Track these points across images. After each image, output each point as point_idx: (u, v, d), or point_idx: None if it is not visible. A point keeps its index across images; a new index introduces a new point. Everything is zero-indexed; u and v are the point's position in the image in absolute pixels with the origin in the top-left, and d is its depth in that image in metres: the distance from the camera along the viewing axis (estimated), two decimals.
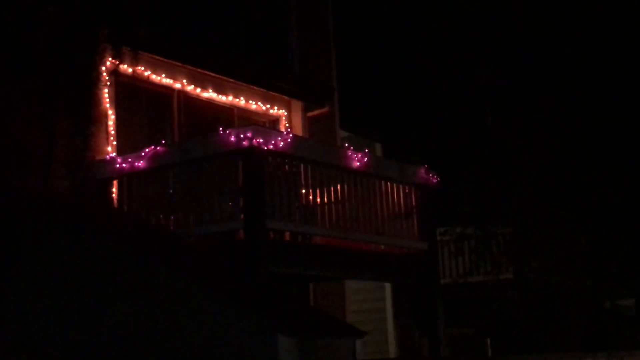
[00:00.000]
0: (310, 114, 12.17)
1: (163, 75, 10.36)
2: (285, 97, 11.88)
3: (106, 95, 9.64)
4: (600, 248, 11.09)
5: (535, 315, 10.96)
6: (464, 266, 12.64)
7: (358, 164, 9.42)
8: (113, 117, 9.67)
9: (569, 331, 10.85)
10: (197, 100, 10.76)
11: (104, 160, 9.29)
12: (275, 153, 8.47)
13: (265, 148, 8.32)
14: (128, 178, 9.10)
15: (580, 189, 10.36)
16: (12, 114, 8.84)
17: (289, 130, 11.47)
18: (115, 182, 9.20)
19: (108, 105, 9.65)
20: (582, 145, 10.21)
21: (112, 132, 9.63)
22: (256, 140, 8.27)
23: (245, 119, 11.14)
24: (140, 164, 8.94)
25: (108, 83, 9.66)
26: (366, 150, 9.97)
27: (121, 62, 9.74)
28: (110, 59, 9.64)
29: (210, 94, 10.90)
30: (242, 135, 8.32)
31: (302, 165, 8.87)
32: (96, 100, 9.44)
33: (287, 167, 8.69)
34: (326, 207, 9.21)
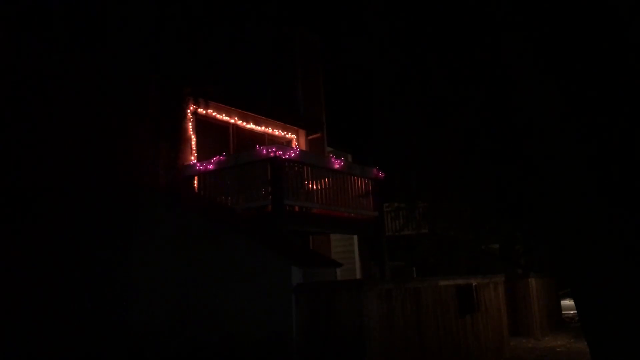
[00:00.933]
0: (310, 137, 12.19)
1: (223, 115, 10.37)
2: (295, 128, 11.89)
3: (190, 126, 9.66)
4: (478, 215, 11.13)
5: (440, 254, 11.02)
6: (399, 225, 12.70)
7: (337, 166, 9.49)
8: (194, 139, 9.69)
9: (459, 263, 10.91)
10: (244, 129, 10.77)
11: (189, 165, 9.33)
12: (290, 160, 8.53)
13: (284, 157, 8.37)
14: (203, 175, 9.13)
15: (467, 183, 10.36)
16: (134, 140, 8.87)
17: (297, 147, 11.50)
18: (195, 178, 9.23)
19: (191, 132, 9.66)
20: (467, 158, 10.13)
21: (194, 148, 9.65)
22: (278, 152, 8.32)
23: (272, 140, 11.15)
24: (210, 167, 8.99)
25: (191, 119, 9.68)
26: (342, 158, 10.02)
27: (198, 107, 9.74)
28: (192, 105, 9.63)
29: (251, 126, 10.91)
30: (270, 150, 8.37)
31: (305, 167, 8.93)
32: (184, 130, 9.47)
33: (296, 168, 8.75)
34: (319, 192, 9.26)
